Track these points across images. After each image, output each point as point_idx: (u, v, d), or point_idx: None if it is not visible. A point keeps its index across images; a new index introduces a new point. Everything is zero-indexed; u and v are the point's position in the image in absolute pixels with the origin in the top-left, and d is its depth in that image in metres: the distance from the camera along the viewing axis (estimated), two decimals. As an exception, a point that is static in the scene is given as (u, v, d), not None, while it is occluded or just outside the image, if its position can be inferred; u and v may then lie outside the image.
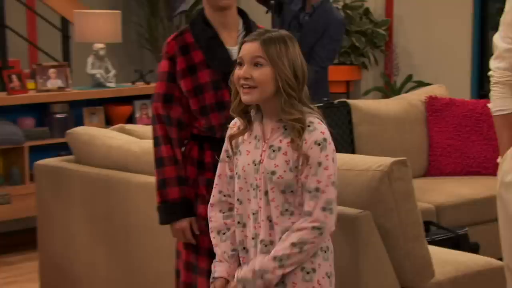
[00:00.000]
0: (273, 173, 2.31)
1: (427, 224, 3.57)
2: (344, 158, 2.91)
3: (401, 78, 6.87)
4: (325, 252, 2.38)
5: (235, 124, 2.44)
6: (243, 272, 2.36)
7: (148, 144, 3.22)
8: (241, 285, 2.35)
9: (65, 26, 6.40)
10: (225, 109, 2.69)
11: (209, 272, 2.54)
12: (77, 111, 5.40)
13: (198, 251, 2.80)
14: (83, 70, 5.58)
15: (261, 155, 2.35)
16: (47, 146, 5.17)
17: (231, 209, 2.45)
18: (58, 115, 5.29)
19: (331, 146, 2.32)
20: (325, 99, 4.70)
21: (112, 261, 3.56)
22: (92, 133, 3.78)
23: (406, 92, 6.38)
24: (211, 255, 2.57)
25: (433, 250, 2.95)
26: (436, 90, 5.03)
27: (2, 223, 5.03)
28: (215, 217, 2.47)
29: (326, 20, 4.80)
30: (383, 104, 4.86)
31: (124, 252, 3.49)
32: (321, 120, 2.35)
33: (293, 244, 2.29)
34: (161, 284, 3.30)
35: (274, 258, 2.30)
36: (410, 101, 4.91)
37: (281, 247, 2.30)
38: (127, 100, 5.59)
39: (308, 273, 2.34)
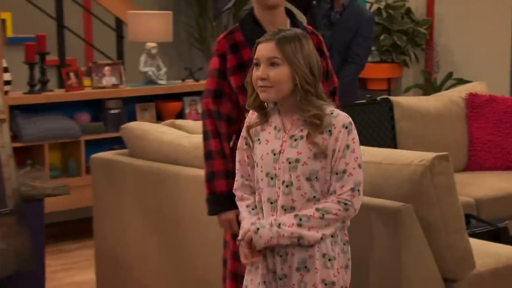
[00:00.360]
0: (297, 160, 2.29)
1: (468, 217, 3.51)
2: (386, 153, 2.87)
3: (441, 76, 6.78)
4: (344, 244, 2.37)
5: (253, 113, 2.42)
6: (261, 220, 2.35)
7: (198, 138, 3.22)
8: (255, 227, 2.32)
9: (119, 26, 6.45)
10: None
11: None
12: (130, 107, 5.43)
13: (245, 241, 2.80)
14: (136, 68, 5.62)
15: (281, 146, 2.33)
16: (102, 140, 5.22)
17: (253, 192, 2.44)
18: (112, 111, 5.33)
19: (355, 130, 2.32)
20: (368, 96, 4.68)
21: (163, 250, 3.57)
22: (144, 128, 3.79)
23: (446, 89, 6.30)
24: None
25: (474, 242, 2.90)
26: (477, 87, 4.95)
27: (60, 213, 5.10)
28: (241, 198, 2.46)
29: (357, 18, 4.81)
30: (424, 101, 4.80)
31: (174, 242, 3.50)
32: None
33: (317, 209, 2.29)
34: (210, 274, 3.30)
35: (295, 215, 2.30)
36: (451, 97, 4.84)
37: (305, 210, 2.30)
38: (177, 96, 5.62)
39: (329, 260, 2.32)
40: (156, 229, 3.59)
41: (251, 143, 2.41)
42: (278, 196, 2.33)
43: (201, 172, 2.93)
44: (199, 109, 5.59)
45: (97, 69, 5.31)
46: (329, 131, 2.28)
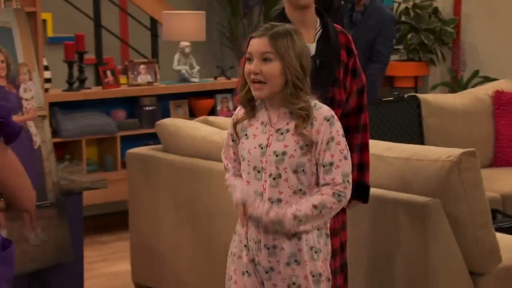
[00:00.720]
0: (284, 153, 2.27)
1: (494, 212, 3.47)
2: (415, 149, 2.85)
3: (467, 74, 6.71)
4: (327, 236, 2.34)
5: (240, 109, 2.39)
6: (259, 211, 2.27)
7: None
8: (254, 222, 2.28)
9: (154, 26, 6.48)
10: None
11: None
12: (164, 104, 5.45)
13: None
14: (170, 66, 5.63)
15: (268, 139, 2.31)
16: (137, 136, 5.24)
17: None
18: (147, 108, 5.35)
19: (338, 122, 2.30)
20: (396, 93, 4.66)
21: (195, 243, 3.58)
22: (178, 124, 3.80)
23: (472, 87, 6.23)
24: None
25: (500, 237, 2.87)
26: (503, 84, 4.89)
27: (97, 206, 5.13)
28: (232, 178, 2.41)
29: (378, 18, 4.83)
30: (451, 98, 4.76)
31: (206, 234, 3.51)
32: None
33: (314, 206, 2.26)
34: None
35: (295, 217, 2.25)
36: (477, 95, 4.79)
37: (303, 207, 2.25)
38: (209, 94, 5.62)
39: (316, 252, 2.30)
40: (189, 222, 3.60)
41: (237, 139, 2.39)
42: (265, 189, 2.30)
43: (233, 167, 2.93)
44: (231, 106, 5.59)
45: (133, 68, 5.34)
46: (311, 123, 2.27)
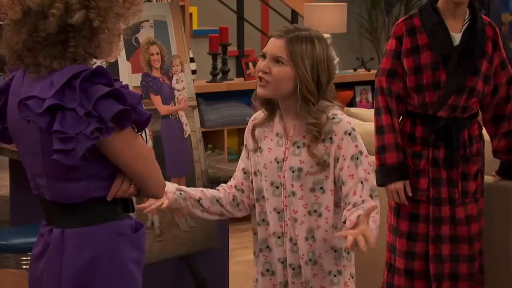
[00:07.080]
0: (299, 169, 2.16)
1: None
2: None
3: None
4: (348, 253, 2.21)
5: (255, 119, 2.28)
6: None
7: (371, 126, 3.22)
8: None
9: (294, 18, 6.53)
10: (439, 88, 2.76)
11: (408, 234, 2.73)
12: (304, 95, 5.49)
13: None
14: (310, 58, 5.65)
15: (284, 153, 2.19)
16: (277, 127, 5.31)
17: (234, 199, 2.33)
18: (287, 99, 5.41)
19: (358, 135, 2.17)
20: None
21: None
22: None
23: None
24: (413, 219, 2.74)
25: None
26: None
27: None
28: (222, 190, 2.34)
29: None
30: None
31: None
32: (342, 112, 2.20)
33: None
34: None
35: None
36: None
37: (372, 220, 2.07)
38: (349, 85, 5.62)
39: (335, 276, 2.19)
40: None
41: (252, 149, 2.27)
42: (286, 206, 2.19)
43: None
44: (370, 98, 5.57)
45: (274, 59, 5.41)
46: (330, 138, 2.14)
